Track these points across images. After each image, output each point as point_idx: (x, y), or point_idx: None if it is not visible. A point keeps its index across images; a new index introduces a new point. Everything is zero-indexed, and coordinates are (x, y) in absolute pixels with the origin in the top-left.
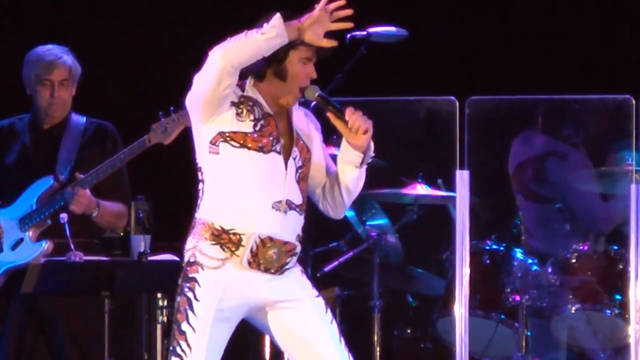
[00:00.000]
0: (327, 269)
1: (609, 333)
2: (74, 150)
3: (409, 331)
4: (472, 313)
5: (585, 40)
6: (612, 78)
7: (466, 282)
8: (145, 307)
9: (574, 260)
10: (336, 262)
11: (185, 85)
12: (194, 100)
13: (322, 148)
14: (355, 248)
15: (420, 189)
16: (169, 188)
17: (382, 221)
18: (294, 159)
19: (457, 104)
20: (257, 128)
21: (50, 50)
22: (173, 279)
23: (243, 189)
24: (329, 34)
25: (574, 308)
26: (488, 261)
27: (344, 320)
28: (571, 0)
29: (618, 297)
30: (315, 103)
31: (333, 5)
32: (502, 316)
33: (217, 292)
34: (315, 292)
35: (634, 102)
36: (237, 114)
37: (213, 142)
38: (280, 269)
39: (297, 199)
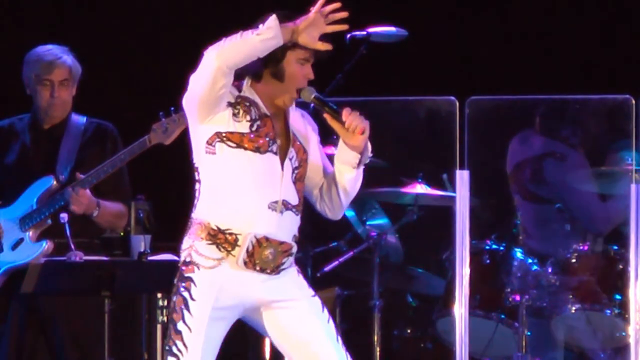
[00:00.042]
0: (327, 269)
1: (608, 333)
2: (74, 150)
3: (409, 331)
4: (472, 313)
5: (585, 40)
6: (612, 78)
7: (466, 282)
8: (145, 307)
9: (574, 260)
10: (336, 262)
11: (185, 85)
12: (190, 100)
13: (319, 149)
14: (355, 248)
15: (420, 189)
16: (169, 188)
17: (382, 221)
18: (291, 159)
19: (457, 104)
20: (254, 128)
21: (50, 50)
22: (173, 279)
23: (239, 189)
24: (325, 36)
25: (574, 308)
26: (488, 261)
27: (344, 320)
28: (571, 0)
29: (618, 297)
30: (314, 106)
31: (329, 8)
32: (502, 316)
33: (213, 291)
34: (312, 292)
35: (634, 102)
36: (234, 114)
37: (210, 142)
38: (276, 269)
39: (294, 200)
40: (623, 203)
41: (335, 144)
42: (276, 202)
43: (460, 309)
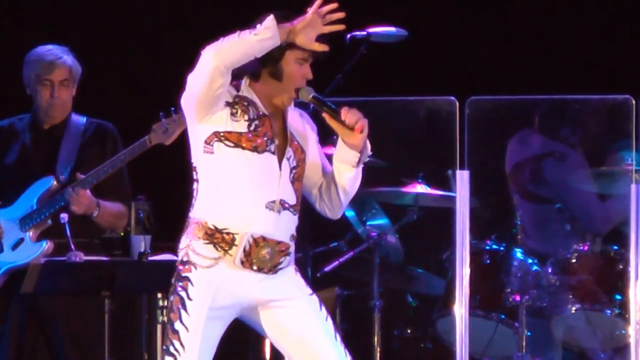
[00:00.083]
0: (327, 269)
1: (608, 333)
2: (74, 151)
3: (409, 331)
4: (472, 313)
5: (585, 40)
6: (612, 78)
7: (466, 282)
8: (145, 307)
9: (574, 261)
10: (336, 262)
11: (185, 85)
12: (188, 99)
13: (318, 148)
14: (355, 248)
15: (420, 189)
16: (169, 188)
17: (382, 221)
18: (288, 159)
19: (457, 104)
20: (252, 128)
21: (51, 50)
22: (172, 279)
23: (237, 189)
24: (324, 37)
25: (574, 308)
26: (488, 261)
27: (344, 320)
28: (571, 0)
29: (618, 297)
30: (314, 106)
31: (326, 8)
32: (502, 316)
33: (210, 291)
34: (309, 290)
35: (634, 102)
36: (232, 114)
37: (208, 142)
38: (273, 269)
39: (291, 199)
40: (623, 203)
41: (334, 144)
42: (273, 201)
43: (460, 309)
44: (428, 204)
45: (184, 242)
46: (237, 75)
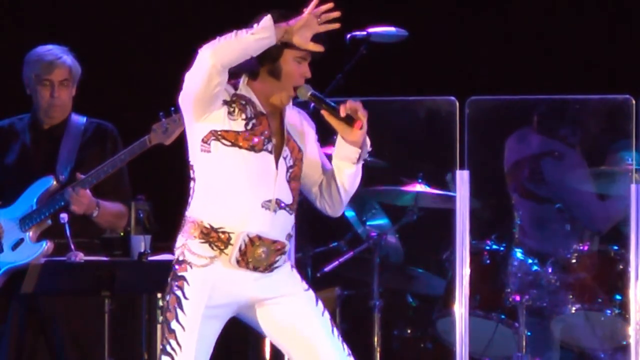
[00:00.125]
0: (327, 269)
1: (608, 333)
2: (74, 151)
3: (409, 331)
4: (472, 313)
5: (585, 40)
6: (612, 78)
7: (466, 282)
8: (145, 307)
9: (574, 261)
10: (336, 262)
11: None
12: (185, 98)
13: (317, 147)
14: (355, 248)
15: (420, 189)
16: (169, 188)
17: (382, 221)
18: (285, 158)
19: (457, 104)
20: (249, 127)
21: (50, 50)
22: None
23: (233, 188)
24: (324, 37)
25: (574, 308)
26: (488, 261)
27: (344, 320)
28: (571, 0)
29: (618, 297)
30: (313, 104)
31: (322, 8)
32: (502, 316)
33: (206, 290)
34: (305, 286)
35: (634, 102)
36: (229, 113)
37: (205, 141)
38: (269, 267)
39: (287, 199)
40: (622, 202)
41: (334, 144)
42: (269, 200)
43: (460, 309)
44: (428, 204)
45: (180, 241)
46: (236, 73)
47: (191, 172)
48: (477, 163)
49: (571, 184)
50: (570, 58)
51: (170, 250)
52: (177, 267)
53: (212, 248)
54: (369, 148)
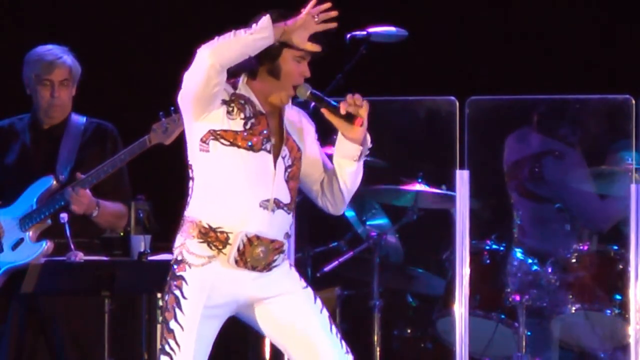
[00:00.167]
0: (327, 269)
1: (608, 333)
2: (74, 150)
3: (409, 331)
4: (472, 313)
5: (585, 40)
6: (612, 78)
7: (466, 282)
8: (145, 307)
9: (574, 260)
10: (336, 262)
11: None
12: (184, 98)
13: (317, 145)
14: (355, 248)
15: (420, 189)
16: (169, 188)
17: (382, 221)
18: (283, 158)
19: (457, 104)
20: (248, 126)
21: (51, 50)
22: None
23: (231, 187)
24: (317, 37)
25: (574, 308)
26: (488, 261)
27: (344, 320)
28: (571, 0)
29: (618, 297)
30: (313, 104)
31: (319, 8)
32: (502, 316)
33: (205, 289)
34: (303, 284)
35: (634, 102)
36: (228, 112)
37: (203, 140)
38: (267, 267)
39: (286, 198)
40: (622, 202)
41: (334, 144)
42: (268, 200)
43: (460, 309)
44: (428, 206)
45: (178, 240)
46: (235, 73)
47: (190, 171)
48: (477, 163)
49: (571, 183)
50: (570, 58)
51: (170, 250)
52: (175, 266)
53: (211, 248)
54: (369, 145)
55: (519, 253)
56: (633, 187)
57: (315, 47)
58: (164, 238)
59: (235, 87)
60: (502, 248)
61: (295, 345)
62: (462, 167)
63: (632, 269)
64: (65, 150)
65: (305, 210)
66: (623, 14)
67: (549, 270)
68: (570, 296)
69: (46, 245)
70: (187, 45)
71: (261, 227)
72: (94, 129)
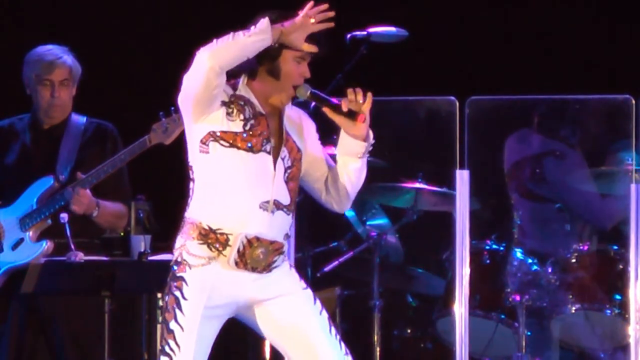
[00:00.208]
0: (327, 269)
1: (608, 333)
2: (74, 150)
3: (409, 331)
4: (472, 313)
5: (585, 40)
6: (612, 78)
7: (466, 282)
8: (145, 307)
9: (574, 260)
10: (336, 262)
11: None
12: (184, 100)
13: (318, 144)
14: (355, 248)
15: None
16: (169, 188)
17: (382, 221)
18: (283, 159)
19: (457, 104)
20: (247, 128)
21: (51, 50)
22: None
23: (231, 189)
24: (315, 38)
25: (574, 308)
26: (488, 261)
27: (344, 320)
28: (571, 0)
29: (618, 297)
30: (314, 104)
31: (318, 8)
32: (502, 316)
33: (205, 290)
34: (303, 284)
35: (634, 102)
36: (228, 114)
37: (203, 142)
38: (267, 268)
39: (285, 200)
40: (622, 202)
41: (335, 144)
42: (267, 201)
43: (460, 309)
44: (428, 207)
45: (178, 242)
46: (235, 74)
47: (190, 172)
48: (477, 163)
49: (572, 184)
50: (570, 58)
51: (170, 250)
52: (175, 267)
53: (211, 249)
54: (372, 140)
55: (519, 253)
56: (633, 187)
57: (312, 48)
58: (164, 238)
59: (235, 88)
60: (502, 248)
61: (295, 347)
62: (462, 167)
63: (632, 269)
64: (66, 150)
65: (305, 211)
66: (623, 14)
67: (549, 270)
68: (570, 296)
69: (46, 245)
70: (187, 45)
71: (261, 228)
72: (94, 129)
